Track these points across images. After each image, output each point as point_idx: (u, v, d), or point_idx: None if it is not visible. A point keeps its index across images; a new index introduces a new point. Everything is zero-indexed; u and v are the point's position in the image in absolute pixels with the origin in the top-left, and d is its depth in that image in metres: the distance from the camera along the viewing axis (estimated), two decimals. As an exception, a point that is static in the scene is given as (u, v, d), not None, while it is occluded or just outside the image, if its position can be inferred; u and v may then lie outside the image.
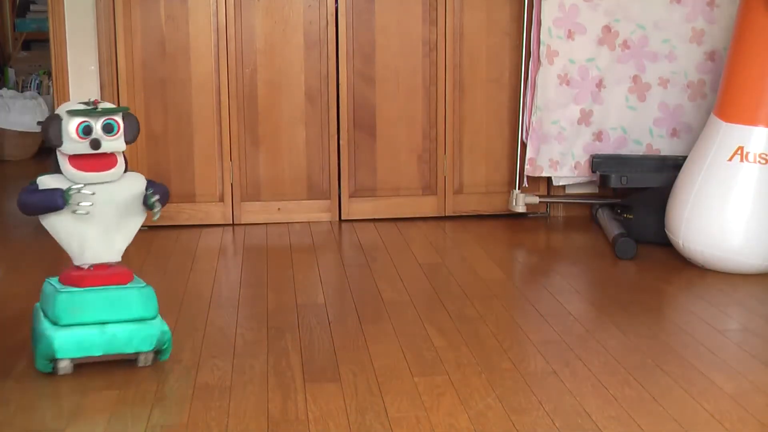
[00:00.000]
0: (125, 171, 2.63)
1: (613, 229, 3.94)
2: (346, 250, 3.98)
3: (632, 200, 4.05)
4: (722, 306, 3.22)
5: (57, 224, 2.57)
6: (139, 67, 4.25)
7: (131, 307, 2.60)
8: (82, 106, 2.55)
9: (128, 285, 2.63)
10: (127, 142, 2.59)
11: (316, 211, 4.44)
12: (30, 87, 6.77)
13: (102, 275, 2.61)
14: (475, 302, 3.23)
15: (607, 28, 4.26)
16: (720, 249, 3.51)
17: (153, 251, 3.95)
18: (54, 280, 2.69)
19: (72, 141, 2.52)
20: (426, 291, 3.38)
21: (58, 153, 2.56)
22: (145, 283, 2.67)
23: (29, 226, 4.36)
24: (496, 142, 4.48)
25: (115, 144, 2.57)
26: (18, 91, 6.63)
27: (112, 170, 2.58)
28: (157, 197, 2.59)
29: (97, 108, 2.54)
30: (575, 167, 4.36)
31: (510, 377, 2.58)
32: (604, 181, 4.21)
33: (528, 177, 4.40)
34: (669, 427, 2.28)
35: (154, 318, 2.64)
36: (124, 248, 2.65)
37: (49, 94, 6.53)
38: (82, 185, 2.52)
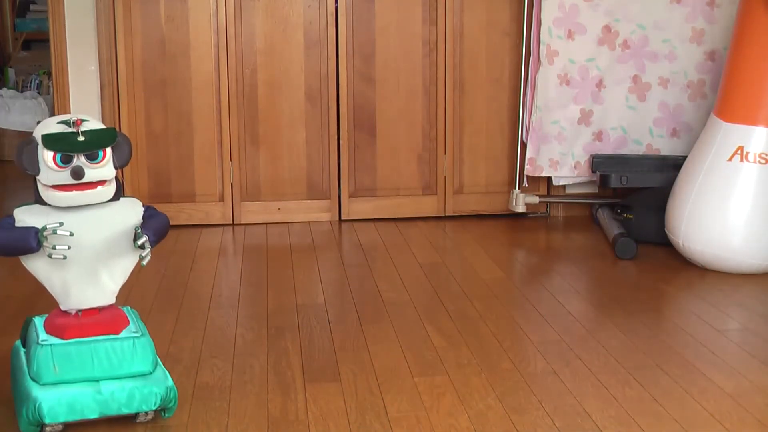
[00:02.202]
0: (120, 195, 2.26)
1: (613, 229, 3.95)
2: (346, 250, 3.98)
3: (632, 200, 4.05)
4: (722, 306, 3.22)
5: (35, 264, 2.21)
6: (139, 67, 4.25)
7: (124, 361, 2.23)
8: (61, 127, 2.16)
9: (121, 335, 2.26)
10: (117, 167, 2.21)
11: (316, 211, 4.44)
12: (30, 87, 6.77)
13: (89, 324, 2.24)
14: (475, 302, 3.23)
15: (607, 28, 4.26)
16: (720, 249, 3.51)
17: (153, 251, 3.94)
18: (39, 322, 2.32)
19: (49, 170, 2.15)
20: (426, 291, 3.38)
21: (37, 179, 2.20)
22: (140, 330, 2.31)
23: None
24: (496, 142, 4.49)
25: (101, 172, 2.18)
26: (18, 91, 6.63)
27: (99, 189, 2.19)
28: (145, 238, 2.18)
29: (77, 134, 2.14)
30: (575, 167, 4.36)
31: (510, 377, 2.58)
32: (604, 181, 4.21)
33: (528, 177, 4.40)
34: (669, 427, 2.28)
35: (153, 372, 2.27)
36: (119, 288, 2.29)
37: (49, 94, 6.53)
38: (58, 224, 2.15)
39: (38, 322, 2.31)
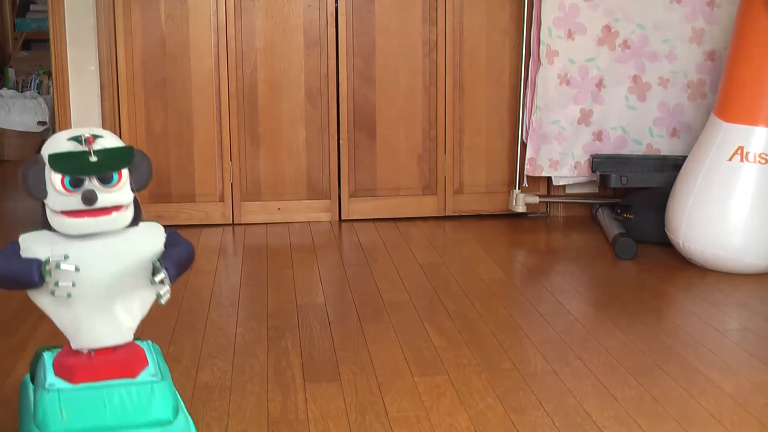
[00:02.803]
0: (138, 220, 1.97)
1: (613, 229, 3.94)
2: (346, 250, 3.98)
3: (632, 200, 4.05)
4: (722, 306, 3.22)
5: (40, 299, 1.93)
6: (139, 67, 4.25)
7: (140, 409, 1.94)
8: (72, 145, 1.87)
9: (138, 379, 1.98)
10: (134, 191, 1.92)
11: (316, 211, 4.44)
12: (30, 87, 6.77)
13: (102, 365, 1.96)
14: (475, 302, 3.23)
15: (607, 28, 4.26)
16: (720, 249, 3.51)
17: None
18: (48, 359, 2.03)
19: (57, 195, 1.86)
20: (426, 291, 3.38)
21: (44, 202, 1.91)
22: (161, 371, 2.03)
23: (29, 226, 4.36)
24: (496, 142, 4.49)
25: (116, 196, 1.89)
26: (18, 91, 6.64)
27: (114, 215, 1.90)
28: (164, 274, 1.87)
29: (89, 153, 1.86)
30: (575, 167, 4.36)
31: (510, 377, 2.58)
32: (604, 180, 4.21)
33: (528, 177, 4.40)
34: (669, 427, 2.28)
35: (174, 420, 1.97)
36: (137, 324, 2.00)
37: (49, 94, 6.54)
38: (63, 257, 1.88)
39: (48, 359, 2.04)
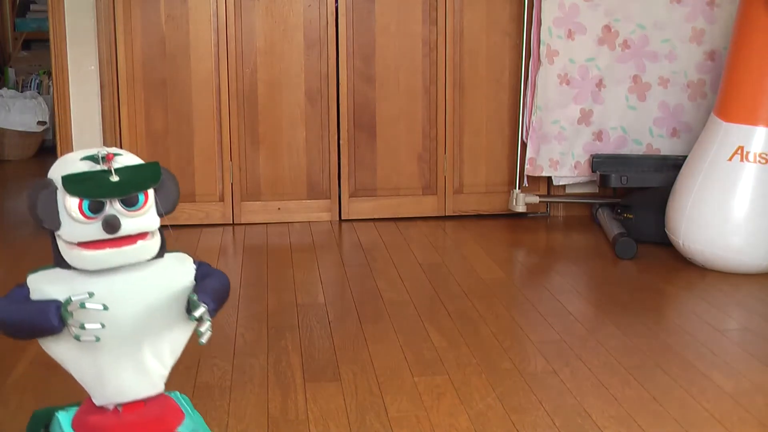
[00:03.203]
0: (164, 251, 1.70)
1: (613, 228, 3.94)
2: (346, 250, 3.98)
3: (632, 200, 4.05)
4: (722, 306, 3.22)
5: (57, 348, 1.64)
6: (139, 67, 4.25)
7: None
8: (87, 165, 1.59)
9: None
10: (161, 215, 1.67)
11: (316, 211, 4.44)
12: (30, 87, 6.77)
13: (133, 423, 1.68)
14: (475, 302, 3.23)
15: (607, 28, 4.26)
16: (720, 248, 3.51)
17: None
18: (65, 421, 1.73)
19: (74, 223, 1.57)
20: (426, 291, 3.38)
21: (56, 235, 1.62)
22: (198, 426, 1.78)
23: (29, 226, 4.36)
24: (496, 141, 4.49)
25: (142, 222, 1.62)
26: (18, 91, 6.63)
27: (140, 245, 1.63)
28: (204, 309, 1.60)
29: (109, 173, 1.58)
30: (575, 167, 4.36)
31: (510, 377, 2.58)
32: (604, 180, 4.21)
33: (528, 177, 4.40)
34: (669, 427, 2.28)
35: None
36: (169, 371, 1.75)
37: (49, 94, 6.54)
38: (86, 295, 1.58)
39: (64, 421, 1.73)
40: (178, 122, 4.31)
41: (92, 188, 1.56)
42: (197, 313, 1.59)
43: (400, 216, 4.47)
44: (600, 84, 4.30)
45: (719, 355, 2.75)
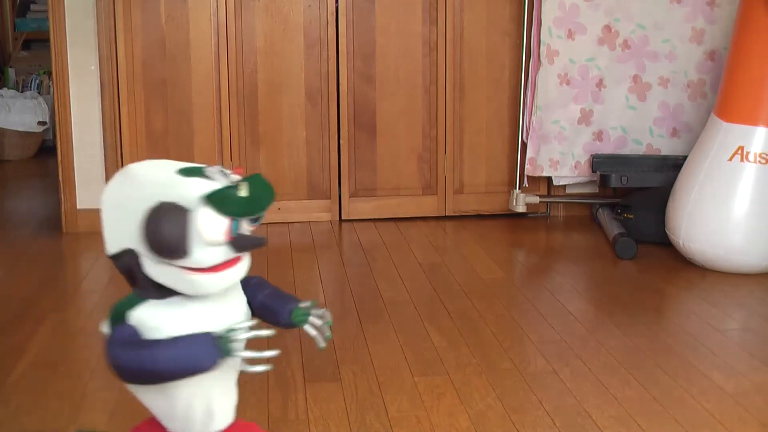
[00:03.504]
0: None
1: (613, 228, 3.95)
2: (346, 250, 3.98)
3: (632, 200, 4.05)
4: (722, 306, 3.22)
5: (176, 390, 1.48)
6: (139, 67, 4.25)
7: None
8: (218, 182, 1.41)
9: None
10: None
11: (316, 211, 4.44)
12: (30, 87, 6.77)
13: None
14: (475, 302, 3.23)
15: (607, 28, 4.26)
16: (720, 248, 3.51)
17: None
18: None
19: (207, 249, 1.40)
20: (426, 290, 3.38)
21: (159, 261, 1.40)
22: None
23: (29, 226, 4.36)
24: (496, 141, 4.49)
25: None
26: (18, 91, 6.63)
27: (242, 264, 1.54)
28: (324, 310, 1.59)
29: (236, 188, 1.40)
30: (575, 167, 4.36)
31: (510, 377, 2.58)
32: (604, 180, 4.21)
33: (528, 177, 4.40)
34: (669, 427, 2.28)
35: None
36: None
37: (49, 94, 6.53)
38: (249, 324, 1.51)
39: None
40: (178, 122, 4.31)
41: (240, 207, 1.39)
42: (324, 317, 1.58)
43: (400, 216, 4.47)
44: (600, 84, 4.30)
45: (719, 355, 2.75)
